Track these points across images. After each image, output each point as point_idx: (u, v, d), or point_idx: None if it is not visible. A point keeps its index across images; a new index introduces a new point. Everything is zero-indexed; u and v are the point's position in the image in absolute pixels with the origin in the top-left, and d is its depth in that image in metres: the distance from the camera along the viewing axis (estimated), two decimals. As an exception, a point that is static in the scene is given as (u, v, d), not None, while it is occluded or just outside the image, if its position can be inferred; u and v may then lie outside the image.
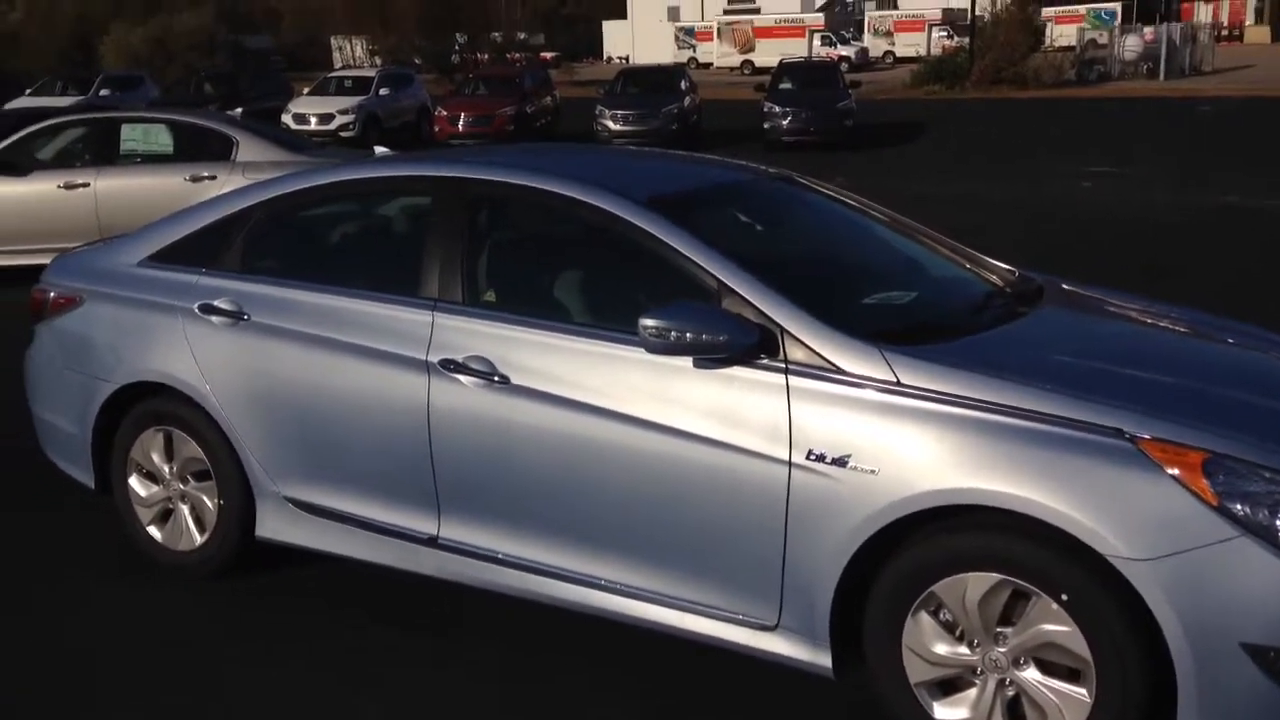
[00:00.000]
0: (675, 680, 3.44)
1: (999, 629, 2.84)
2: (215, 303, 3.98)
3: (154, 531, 4.24)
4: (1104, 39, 41.47)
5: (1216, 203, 13.23)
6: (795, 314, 3.08)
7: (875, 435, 2.91)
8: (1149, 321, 3.82)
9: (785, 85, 22.25)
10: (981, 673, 2.89)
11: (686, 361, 3.14)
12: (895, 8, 64.66)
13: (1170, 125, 23.37)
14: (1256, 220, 12.07)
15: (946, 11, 55.80)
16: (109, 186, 9.82)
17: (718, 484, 3.09)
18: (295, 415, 3.83)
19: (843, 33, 57.34)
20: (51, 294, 4.46)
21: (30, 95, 25.77)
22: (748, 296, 3.14)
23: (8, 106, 21.92)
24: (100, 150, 10.35)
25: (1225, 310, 4.31)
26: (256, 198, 4.16)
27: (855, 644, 3.04)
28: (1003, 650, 2.84)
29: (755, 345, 3.07)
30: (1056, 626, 2.75)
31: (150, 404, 4.16)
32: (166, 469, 4.18)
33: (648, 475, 3.20)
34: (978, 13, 36.10)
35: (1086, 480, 2.68)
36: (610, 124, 21.33)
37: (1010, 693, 2.86)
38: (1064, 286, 3.95)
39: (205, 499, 4.11)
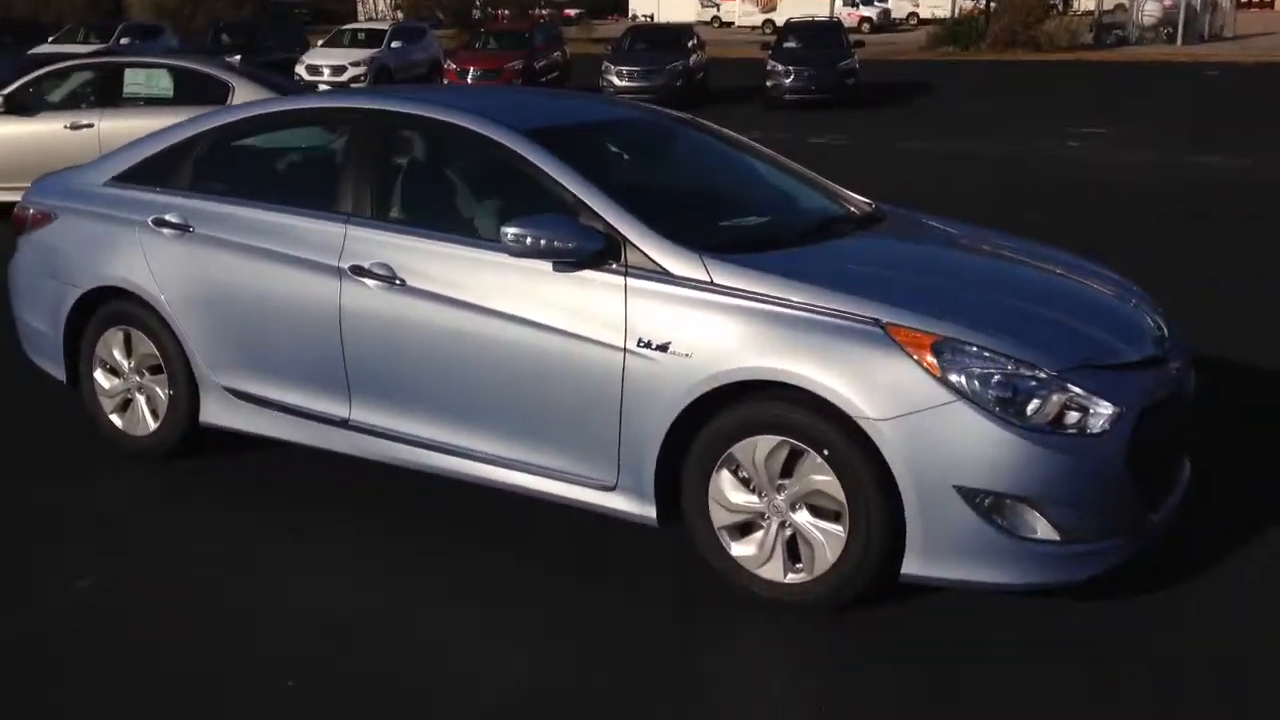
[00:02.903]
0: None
1: (780, 481, 3.42)
2: (166, 217, 4.55)
3: (115, 419, 4.84)
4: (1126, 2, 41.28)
5: (1182, 161, 13.59)
6: (635, 226, 3.64)
7: (691, 325, 3.47)
8: (963, 245, 4.35)
9: (789, 44, 22.63)
10: (767, 517, 3.47)
11: (547, 266, 3.69)
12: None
13: (1173, 90, 23.54)
14: (1206, 175, 12.47)
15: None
16: (112, 127, 10.37)
17: (569, 368, 3.66)
18: (231, 314, 4.41)
19: (867, -7, 57.08)
20: (31, 211, 5.05)
21: (53, 42, 26.33)
22: (598, 210, 3.69)
23: (30, 52, 22.53)
24: (105, 93, 10.92)
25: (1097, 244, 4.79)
26: (205, 125, 4.73)
27: (676, 501, 3.62)
28: (782, 498, 3.43)
29: (601, 251, 3.62)
30: (821, 477, 3.33)
31: (112, 306, 4.74)
32: (126, 364, 4.77)
33: (513, 362, 3.77)
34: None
35: (846, 358, 3.25)
36: (615, 80, 21.78)
37: (788, 532, 3.45)
38: (909, 217, 4.50)
39: (158, 390, 4.70)
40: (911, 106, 21.64)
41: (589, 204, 3.71)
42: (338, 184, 4.25)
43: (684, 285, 3.52)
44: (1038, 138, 16.18)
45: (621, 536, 3.88)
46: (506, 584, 3.74)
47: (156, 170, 4.73)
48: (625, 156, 4.52)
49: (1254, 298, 7.29)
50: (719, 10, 60.48)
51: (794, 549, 3.45)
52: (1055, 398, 3.19)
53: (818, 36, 23.13)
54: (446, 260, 3.92)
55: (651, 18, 60.15)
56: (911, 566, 3.26)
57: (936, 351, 3.21)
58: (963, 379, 3.18)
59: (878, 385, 3.21)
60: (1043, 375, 3.21)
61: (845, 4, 52.52)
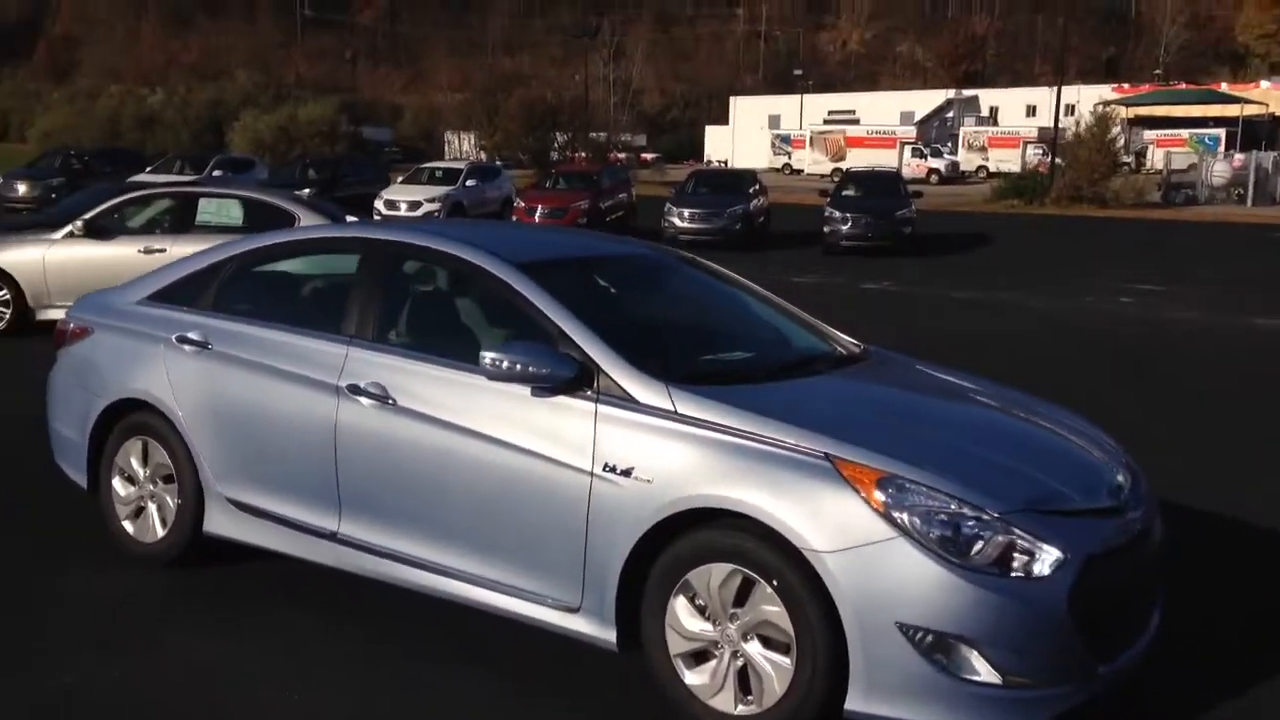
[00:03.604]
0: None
1: (733, 609, 3.47)
2: (188, 334, 4.84)
3: (127, 525, 5.05)
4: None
5: (1235, 322, 13.50)
6: (608, 354, 3.81)
7: (654, 452, 3.60)
8: (933, 388, 4.45)
9: (848, 192, 23.08)
10: (720, 646, 3.51)
11: (526, 391, 3.86)
12: (996, 124, 65.51)
13: (1236, 250, 23.47)
14: (1257, 337, 12.37)
15: (1043, 130, 56.36)
16: (182, 253, 10.92)
17: (540, 489, 3.80)
18: (237, 427, 4.63)
19: (936, 146, 58.24)
20: (71, 325, 5.39)
21: (150, 172, 27.90)
22: (575, 339, 3.88)
23: (129, 180, 23.88)
24: (179, 220, 11.57)
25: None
26: (231, 251, 5.07)
27: (636, 625, 3.67)
28: (735, 627, 3.47)
29: (575, 378, 3.79)
30: (771, 607, 3.38)
31: (134, 417, 5.01)
32: (142, 472, 5.01)
33: (489, 482, 3.92)
34: (1064, 129, 36.64)
35: (795, 490, 3.35)
36: (677, 221, 22.35)
37: (740, 662, 3.48)
38: (891, 359, 4.64)
39: (168, 498, 4.91)
40: (969, 257, 21.83)
41: (567, 332, 3.90)
42: (344, 307, 4.51)
43: (649, 413, 3.66)
44: (1091, 293, 16.20)
45: (598, 656, 3.92)
46: (474, 700, 3.80)
47: (185, 291, 5.05)
48: (613, 290, 4.73)
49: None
50: (790, 158, 62.00)
51: (745, 680, 3.48)
52: (998, 539, 3.23)
53: (876, 185, 23.58)
54: (434, 382, 4.11)
55: (725, 163, 61.88)
56: (854, 702, 3.28)
57: (881, 487, 3.29)
58: (905, 515, 3.25)
59: (824, 518, 3.29)
60: (986, 516, 3.26)
61: (914, 155, 53.55)
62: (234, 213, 11.63)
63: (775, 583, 3.35)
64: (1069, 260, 21.19)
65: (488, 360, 3.80)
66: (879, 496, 3.27)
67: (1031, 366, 10.41)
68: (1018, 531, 3.25)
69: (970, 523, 3.25)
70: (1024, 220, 31.60)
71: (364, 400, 4.23)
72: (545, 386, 3.81)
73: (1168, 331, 12.80)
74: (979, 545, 3.22)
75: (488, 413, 3.94)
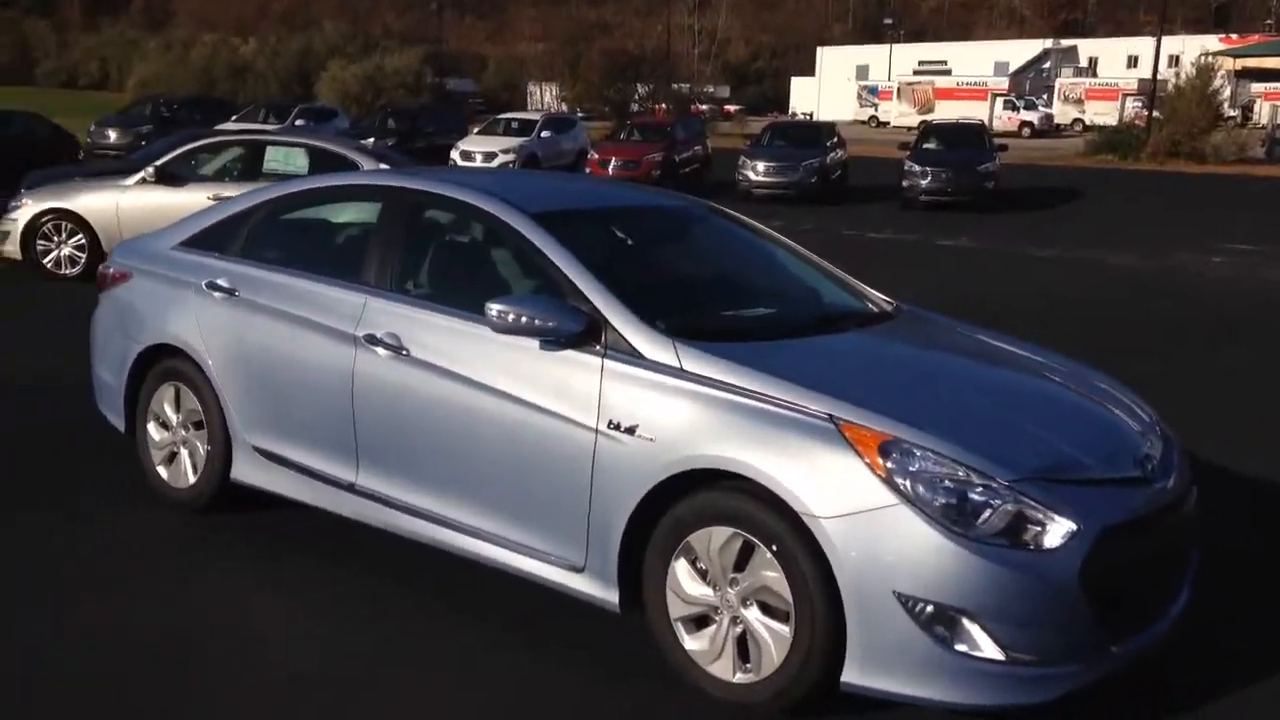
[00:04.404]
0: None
1: (733, 574, 3.37)
2: (217, 280, 4.85)
3: (161, 471, 5.11)
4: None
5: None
6: (616, 308, 3.71)
7: (658, 410, 3.49)
8: (959, 348, 4.28)
9: (929, 145, 22.48)
10: (720, 611, 3.42)
11: (535, 344, 3.78)
12: (1095, 75, 63.32)
13: (1341, 207, 22.38)
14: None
15: (1143, 82, 54.32)
16: (248, 200, 11.08)
17: (546, 445, 3.72)
18: (262, 375, 4.64)
19: (1030, 98, 56.48)
20: (111, 270, 5.45)
21: (236, 120, 28.32)
22: (585, 292, 3.78)
23: (216, 128, 24.28)
24: (247, 168, 11.70)
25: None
26: (260, 198, 5.05)
27: (639, 587, 3.60)
28: (734, 593, 3.37)
29: (583, 332, 3.69)
30: (770, 573, 3.27)
31: (167, 363, 5.05)
32: (175, 418, 5.06)
33: (497, 436, 3.85)
34: (1163, 81, 35.25)
35: (797, 452, 3.22)
36: (750, 174, 22.03)
37: (739, 629, 3.38)
38: (922, 317, 4.46)
39: (199, 445, 4.96)
40: (1054, 213, 21.15)
41: (577, 285, 3.81)
42: (364, 256, 4.46)
43: (655, 369, 3.55)
44: (1180, 251, 15.59)
45: (607, 616, 3.86)
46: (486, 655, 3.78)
47: (216, 237, 5.06)
48: (629, 243, 4.60)
49: None
50: (877, 110, 60.70)
51: (744, 647, 3.38)
52: (1006, 508, 3.08)
53: (959, 138, 22.91)
54: (446, 333, 4.06)
55: (810, 115, 60.85)
56: (851, 675, 3.16)
57: (884, 452, 3.14)
58: (908, 482, 3.10)
59: (825, 482, 3.16)
60: (995, 484, 3.10)
61: (1005, 107, 52.01)
62: (299, 161, 11.71)
63: (775, 548, 3.24)
64: (1159, 217, 20.42)
65: (494, 312, 3.73)
66: (881, 461, 3.13)
67: (1100, 326, 10.05)
68: (1027, 500, 3.09)
69: (977, 490, 3.09)
70: (1116, 176, 30.51)
71: (380, 350, 4.20)
72: (552, 340, 3.73)
73: (1258, 292, 12.24)
74: (986, 514, 3.07)
75: (497, 366, 3.87)
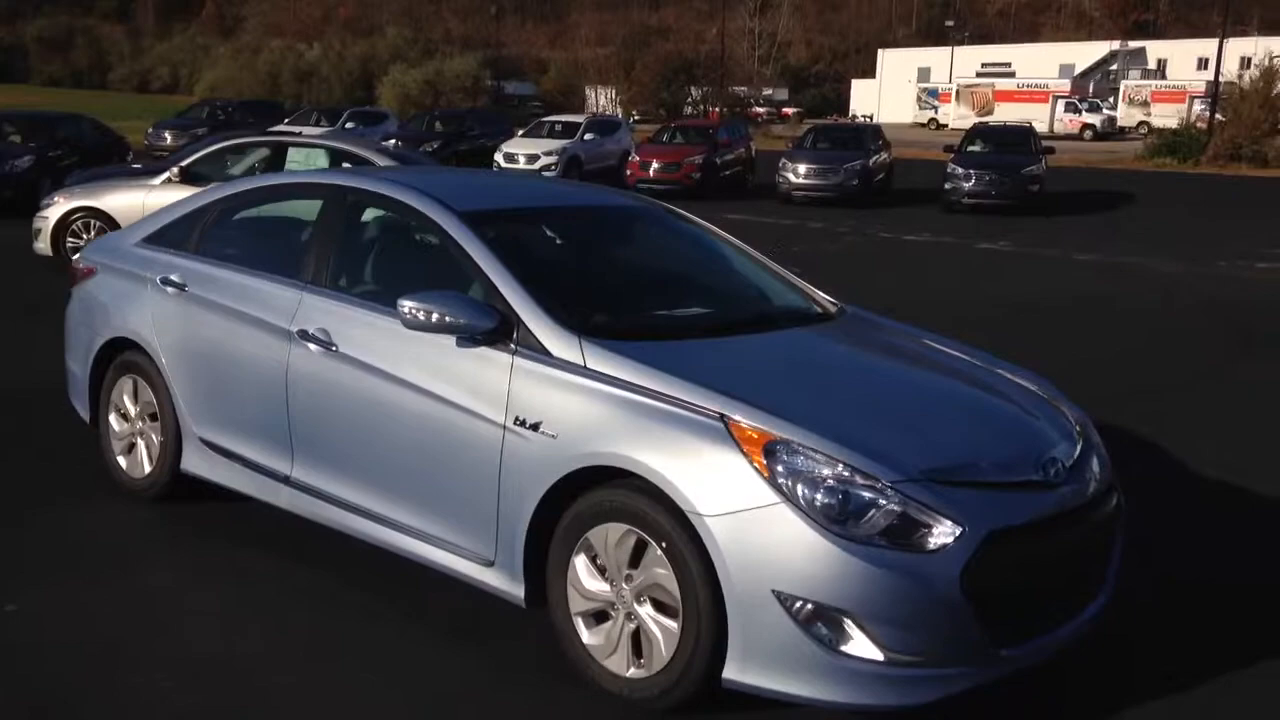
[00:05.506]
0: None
1: (628, 571, 3.35)
2: (171, 276, 4.91)
3: (121, 461, 5.20)
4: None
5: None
6: (528, 306, 3.69)
7: (561, 407, 3.47)
8: (883, 350, 4.21)
9: (974, 147, 22.15)
10: (616, 607, 3.39)
11: (451, 341, 3.77)
12: (1164, 78, 62.03)
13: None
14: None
15: (1211, 85, 53.08)
16: (269, 200, 11.24)
17: (459, 441, 3.72)
18: (207, 368, 4.69)
19: (1094, 100, 55.47)
20: (81, 265, 5.55)
21: (288, 123, 28.80)
22: (500, 289, 3.78)
23: (270, 129, 24.71)
24: (270, 168, 11.83)
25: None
26: (215, 195, 5.12)
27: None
28: (629, 589, 3.35)
29: (495, 329, 3.68)
30: (661, 570, 3.25)
31: (126, 356, 5.13)
32: (133, 410, 5.14)
33: (416, 431, 3.86)
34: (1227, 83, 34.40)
35: (686, 451, 3.19)
36: (791, 177, 21.80)
37: (634, 625, 3.36)
38: (863, 319, 4.40)
39: (154, 436, 5.03)
40: (1101, 217, 20.71)
41: (494, 282, 3.80)
42: (303, 253, 4.50)
43: (561, 367, 3.53)
44: (1223, 258, 15.16)
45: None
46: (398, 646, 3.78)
47: (174, 233, 5.13)
48: (559, 242, 4.58)
49: None
50: (936, 112, 60.03)
51: (638, 643, 3.35)
52: (891, 508, 3.01)
53: (1005, 140, 22.49)
54: (371, 329, 4.07)
55: (870, 117, 60.37)
56: (731, 672, 3.12)
57: (768, 452, 3.10)
58: (789, 482, 3.06)
59: (711, 481, 3.13)
60: (880, 484, 3.04)
61: (1066, 110, 51.12)
62: (320, 161, 11.85)
63: (664, 545, 3.21)
64: (1210, 222, 19.91)
65: (405, 308, 3.73)
66: (765, 460, 3.08)
67: (1119, 333, 9.82)
68: (913, 502, 3.01)
69: (861, 491, 3.03)
70: (1173, 179, 29.82)
71: (311, 346, 4.22)
72: (467, 337, 3.72)
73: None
74: (870, 514, 3.01)
75: (417, 362, 3.87)
